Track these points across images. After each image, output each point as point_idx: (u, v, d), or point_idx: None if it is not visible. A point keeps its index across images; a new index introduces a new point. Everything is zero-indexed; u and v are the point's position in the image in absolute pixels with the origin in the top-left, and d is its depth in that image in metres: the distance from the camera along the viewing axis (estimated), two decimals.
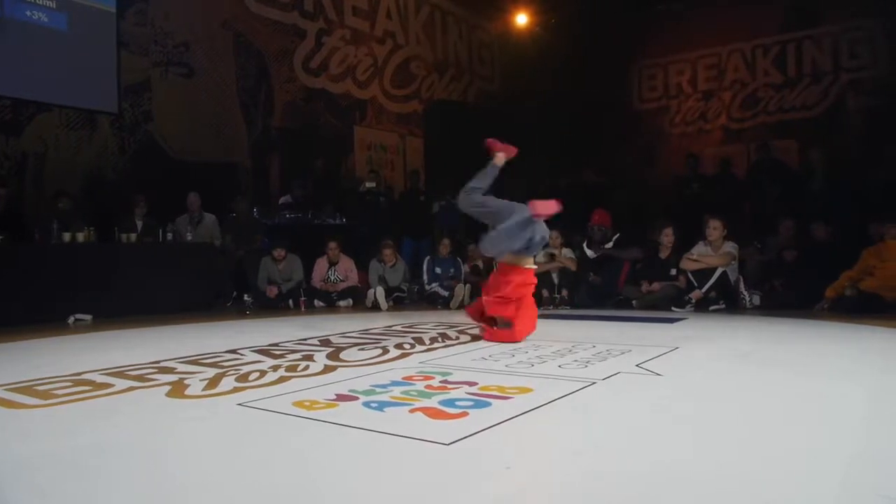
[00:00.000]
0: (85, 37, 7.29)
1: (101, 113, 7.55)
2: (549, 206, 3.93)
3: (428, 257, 7.60)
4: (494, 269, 4.46)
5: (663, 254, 6.63)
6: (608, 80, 11.88)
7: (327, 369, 3.11)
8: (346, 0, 10.36)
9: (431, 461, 1.74)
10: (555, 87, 11.38)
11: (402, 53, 11.35)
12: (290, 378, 2.90)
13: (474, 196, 4.20)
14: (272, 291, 6.99)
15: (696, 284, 6.28)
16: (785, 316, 5.44)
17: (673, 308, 6.23)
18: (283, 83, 9.52)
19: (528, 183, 8.83)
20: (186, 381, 2.85)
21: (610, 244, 7.04)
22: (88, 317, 5.70)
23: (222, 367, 3.21)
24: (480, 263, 7.24)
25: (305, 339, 4.22)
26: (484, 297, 4.13)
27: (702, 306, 6.16)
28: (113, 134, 7.70)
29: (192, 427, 2.17)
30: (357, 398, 2.45)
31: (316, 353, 3.60)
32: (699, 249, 6.41)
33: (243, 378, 2.90)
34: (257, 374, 3.01)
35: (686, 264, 6.38)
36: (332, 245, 7.28)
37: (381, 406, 2.32)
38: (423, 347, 3.84)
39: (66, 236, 6.07)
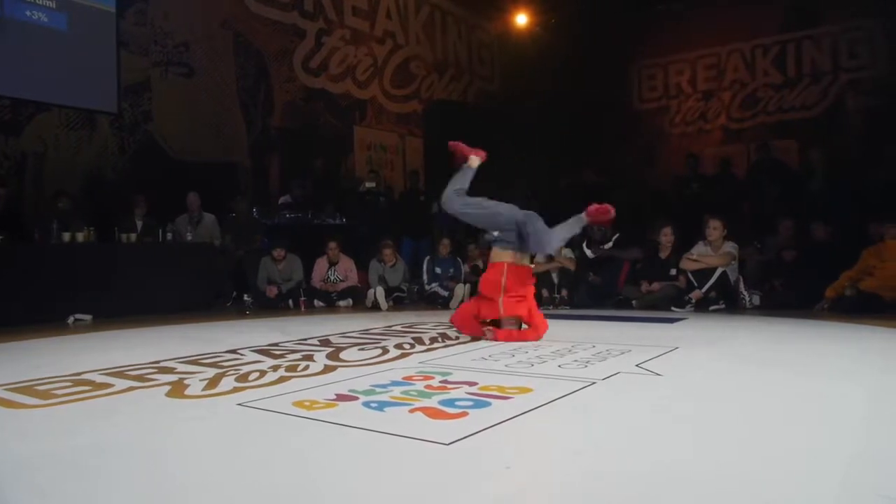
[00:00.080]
0: (85, 37, 7.29)
1: (100, 113, 7.55)
2: (605, 212, 4.11)
3: (428, 257, 7.60)
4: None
5: (663, 254, 6.62)
6: (608, 80, 11.88)
7: (327, 369, 3.10)
8: (345, 0, 10.36)
9: (431, 461, 1.74)
10: (555, 87, 11.37)
11: (402, 53, 11.35)
12: (289, 378, 2.90)
13: (465, 198, 4.23)
14: (272, 291, 6.99)
15: (695, 284, 6.28)
16: (785, 316, 5.44)
17: (673, 308, 6.23)
18: (282, 83, 9.52)
19: (528, 183, 8.87)
20: (186, 381, 2.85)
21: (610, 244, 7.04)
22: (88, 317, 5.70)
23: (222, 367, 3.21)
24: (480, 263, 7.23)
25: (302, 341, 4.22)
26: (504, 298, 4.00)
27: (702, 306, 6.17)
28: (113, 134, 7.70)
29: (192, 427, 2.17)
30: (357, 398, 2.45)
31: (316, 353, 3.59)
32: (699, 249, 6.40)
33: (243, 378, 2.90)
34: (257, 374, 3.01)
35: (686, 264, 6.38)
36: (332, 245, 7.28)
37: (381, 406, 2.32)
38: (423, 347, 3.84)
39: (66, 236, 6.07)
